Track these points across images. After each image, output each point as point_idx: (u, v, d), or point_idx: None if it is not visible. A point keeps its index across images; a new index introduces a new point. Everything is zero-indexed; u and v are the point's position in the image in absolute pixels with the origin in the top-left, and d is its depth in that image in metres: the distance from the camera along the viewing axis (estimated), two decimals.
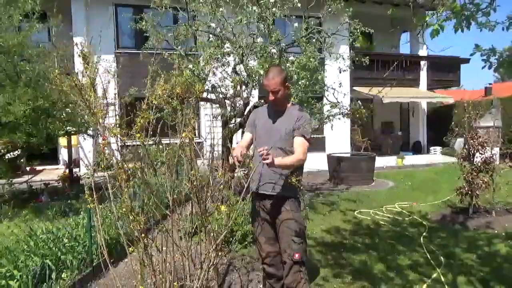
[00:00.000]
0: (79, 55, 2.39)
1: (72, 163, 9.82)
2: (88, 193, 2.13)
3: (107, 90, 6.83)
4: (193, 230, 2.53)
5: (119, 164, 2.24)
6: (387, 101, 12.90)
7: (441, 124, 15.82)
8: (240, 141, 3.01)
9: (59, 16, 6.35)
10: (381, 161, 12.12)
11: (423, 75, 14.91)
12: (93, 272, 3.88)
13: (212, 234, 2.33)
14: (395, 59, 13.89)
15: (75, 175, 9.29)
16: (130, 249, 2.21)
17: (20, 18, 6.12)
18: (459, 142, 15.30)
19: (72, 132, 7.53)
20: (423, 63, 14.79)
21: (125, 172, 2.26)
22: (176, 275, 2.43)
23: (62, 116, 6.33)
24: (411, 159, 13.37)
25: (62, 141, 10.56)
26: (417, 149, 15.26)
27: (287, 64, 4.39)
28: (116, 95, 10.09)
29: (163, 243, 2.44)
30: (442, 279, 3.70)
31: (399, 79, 14.20)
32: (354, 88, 13.46)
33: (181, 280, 2.45)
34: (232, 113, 5.30)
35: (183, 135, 1.92)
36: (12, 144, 6.33)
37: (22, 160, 10.39)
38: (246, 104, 5.11)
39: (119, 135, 2.26)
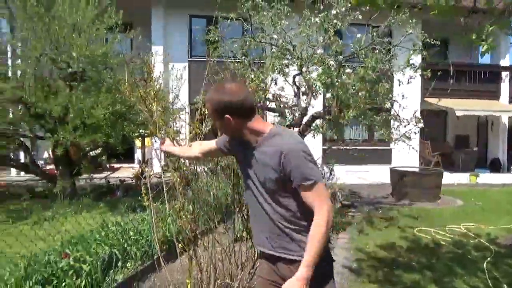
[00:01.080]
0: (145, 70, 2.70)
1: (145, 162, 10.64)
2: (145, 194, 2.40)
3: (178, 95, 7.34)
4: (241, 235, 2.71)
5: (177, 169, 2.48)
6: (460, 114, 12.10)
7: None
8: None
9: (138, 28, 7.00)
10: (452, 178, 11.38)
11: (505, 86, 13.71)
12: (154, 264, 4.23)
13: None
14: (473, 70, 13.00)
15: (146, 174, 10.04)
16: (179, 245, 2.44)
17: (105, 31, 6.87)
18: None
19: (146, 134, 8.21)
20: (504, 74, 13.60)
21: (182, 177, 2.50)
22: (220, 273, 2.62)
23: (137, 120, 6.96)
24: (487, 177, 12.36)
25: (138, 141, 11.49)
26: (495, 166, 14.02)
27: (343, 77, 4.42)
28: (187, 100, 10.77)
29: (211, 244, 2.65)
30: None
31: (477, 90, 13.24)
32: (426, 99, 12.80)
33: (225, 278, 2.63)
34: (290, 122, 5.44)
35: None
36: (94, 143, 7.09)
37: (103, 158, 11.49)
38: (303, 114, 5.22)
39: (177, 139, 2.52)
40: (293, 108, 5.84)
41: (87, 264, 3.62)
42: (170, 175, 2.62)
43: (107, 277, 3.70)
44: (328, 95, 4.39)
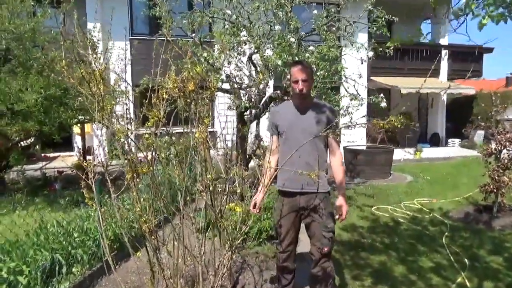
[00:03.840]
0: (88, 43, 2.24)
1: (86, 150, 9.80)
2: (87, 192, 1.98)
3: (120, 77, 6.67)
4: (206, 231, 2.38)
5: (129, 160, 2.07)
6: (405, 91, 12.51)
7: (460, 115, 15.36)
8: (269, 149, 2.89)
9: (72, 1, 6.20)
10: (398, 154, 11.81)
11: (444, 65, 14.41)
12: (104, 266, 3.78)
13: (227, 237, 2.18)
14: (416, 48, 13.44)
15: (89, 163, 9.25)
16: (138, 253, 2.07)
17: (32, 3, 6.00)
18: (479, 135, 14.85)
19: (85, 120, 7.46)
20: (444, 52, 14.27)
21: (133, 170, 2.09)
22: (188, 278, 2.30)
23: (75, 105, 6.24)
24: (428, 151, 13.01)
25: (76, 128, 10.56)
26: (435, 141, 14.85)
27: (306, 54, 4.16)
28: (131, 82, 10.00)
29: (174, 244, 2.30)
30: (468, 284, 3.50)
31: (418, 68, 13.76)
32: (372, 78, 13.08)
33: (193, 284, 2.31)
34: (247, 104, 5.11)
35: (196, 135, 1.75)
36: (25, 132, 6.26)
37: (36, 148, 10.42)
38: (261, 96, 4.92)
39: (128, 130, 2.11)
40: (248, 89, 5.51)
41: (24, 276, 3.11)
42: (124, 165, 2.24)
43: None
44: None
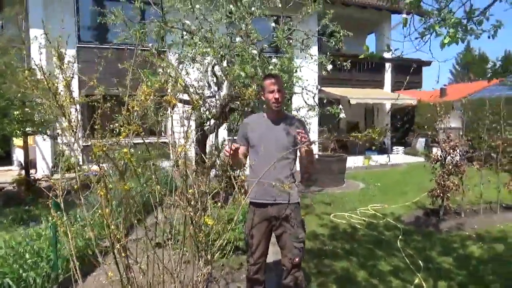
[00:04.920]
0: (40, 52, 2.13)
1: (29, 164, 9.13)
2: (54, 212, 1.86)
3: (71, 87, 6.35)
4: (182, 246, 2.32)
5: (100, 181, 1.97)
6: (354, 102, 13.10)
7: (403, 124, 16.39)
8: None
9: (16, 7, 5.83)
10: (349, 161, 12.28)
11: (388, 76, 15.30)
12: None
13: (204, 252, 2.15)
14: (362, 61, 14.14)
15: (32, 177, 8.64)
16: (110, 273, 1.97)
17: None
18: (420, 142, 15.88)
19: (30, 132, 6.98)
20: (388, 65, 15.16)
21: (103, 189, 1.99)
22: None
23: (20, 116, 5.82)
24: (376, 158, 13.65)
25: (17, 140, 9.82)
26: (381, 148, 15.62)
27: (270, 67, 4.24)
28: (78, 94, 9.51)
29: (144, 257, 2.21)
30: (424, 285, 3.71)
31: (365, 80, 14.50)
32: (322, 88, 13.54)
33: None
34: (208, 115, 5.08)
35: (179, 149, 1.71)
36: None
37: None
38: (223, 106, 4.91)
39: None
40: (208, 100, 5.48)
41: None
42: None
43: None
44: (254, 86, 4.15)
